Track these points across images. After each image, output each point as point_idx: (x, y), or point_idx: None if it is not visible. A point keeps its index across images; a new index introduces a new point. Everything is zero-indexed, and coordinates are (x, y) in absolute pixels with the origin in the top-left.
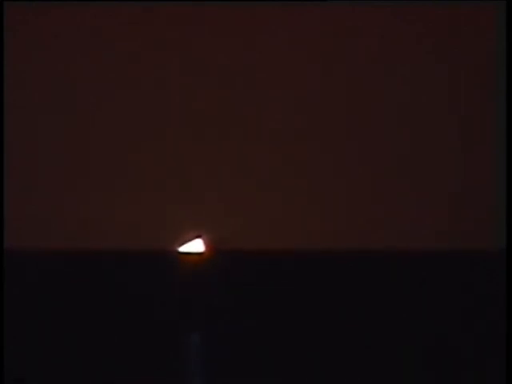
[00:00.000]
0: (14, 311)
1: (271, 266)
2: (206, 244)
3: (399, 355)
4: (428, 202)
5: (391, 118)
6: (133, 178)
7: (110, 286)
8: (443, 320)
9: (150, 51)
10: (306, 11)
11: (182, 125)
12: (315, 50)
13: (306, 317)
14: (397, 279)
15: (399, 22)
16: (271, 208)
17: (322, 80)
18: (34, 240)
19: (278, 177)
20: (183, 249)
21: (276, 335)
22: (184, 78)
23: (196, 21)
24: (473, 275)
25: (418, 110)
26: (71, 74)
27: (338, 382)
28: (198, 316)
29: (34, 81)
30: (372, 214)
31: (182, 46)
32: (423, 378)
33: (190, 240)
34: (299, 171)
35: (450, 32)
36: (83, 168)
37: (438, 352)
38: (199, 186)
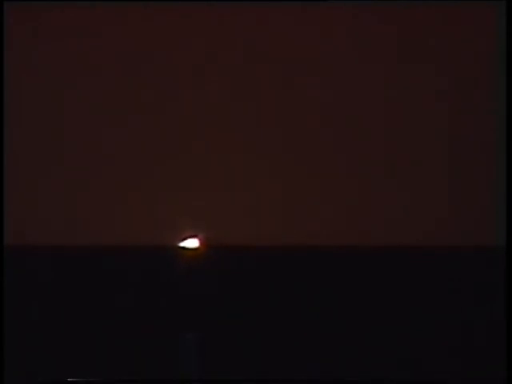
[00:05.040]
0: (14, 306)
1: (265, 262)
2: (201, 241)
3: (399, 351)
4: (427, 198)
5: (392, 116)
6: (132, 177)
7: (108, 280)
8: (443, 316)
9: (151, 51)
10: (305, 11)
11: (181, 124)
12: (315, 50)
13: (296, 310)
14: (396, 276)
15: (398, 22)
16: (267, 206)
17: (322, 79)
18: (34, 236)
19: (273, 176)
20: (180, 245)
21: (267, 327)
22: (184, 78)
23: (195, 21)
24: (473, 272)
25: (418, 109)
26: (72, 73)
27: (334, 376)
28: (194, 309)
29: (35, 81)
30: (371, 210)
31: (181, 46)
32: (423, 374)
33: (186, 237)
34: (295, 170)
35: (450, 32)
36: (83, 166)
37: (437, 348)
38: (197, 185)
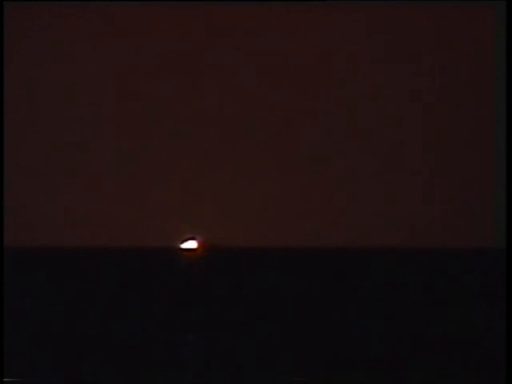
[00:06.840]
0: (14, 307)
1: (264, 263)
2: (200, 242)
3: (398, 351)
4: (427, 198)
5: (391, 116)
6: (132, 177)
7: (108, 281)
8: (443, 316)
9: (152, 51)
10: (306, 11)
11: (181, 124)
12: (315, 50)
13: (295, 311)
14: (396, 276)
15: (399, 22)
16: (267, 206)
17: (322, 79)
18: (34, 237)
19: (273, 176)
20: (180, 246)
21: (267, 328)
22: (184, 78)
23: (195, 21)
24: (473, 273)
25: (418, 109)
26: (72, 73)
27: (334, 377)
28: (194, 310)
29: (35, 81)
30: (372, 211)
31: (181, 46)
32: (423, 374)
33: (185, 239)
34: (295, 170)
35: (450, 32)
36: (83, 166)
37: (437, 348)
38: (197, 186)
